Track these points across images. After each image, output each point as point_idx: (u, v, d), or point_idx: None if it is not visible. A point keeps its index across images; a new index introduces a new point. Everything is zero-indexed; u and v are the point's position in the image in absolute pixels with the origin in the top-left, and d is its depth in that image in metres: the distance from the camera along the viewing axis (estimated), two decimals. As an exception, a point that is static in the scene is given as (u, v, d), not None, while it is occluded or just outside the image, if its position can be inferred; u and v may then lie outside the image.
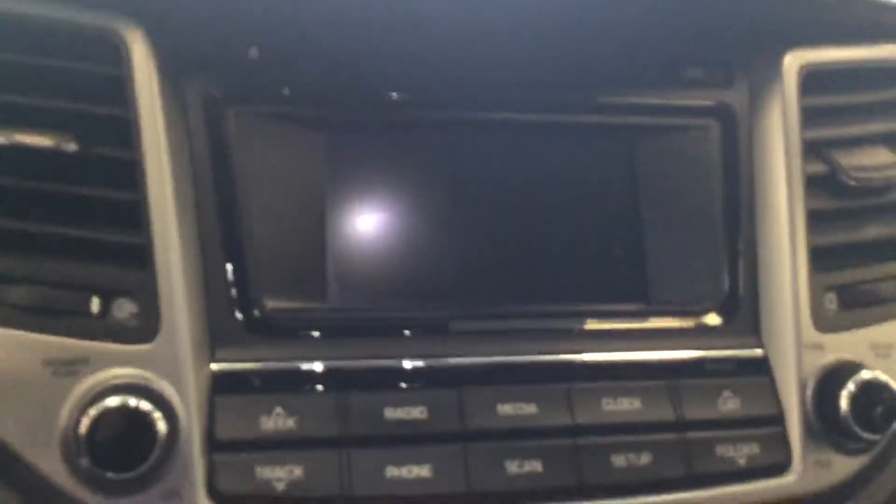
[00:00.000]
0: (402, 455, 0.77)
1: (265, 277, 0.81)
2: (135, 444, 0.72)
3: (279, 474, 0.75)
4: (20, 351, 0.73)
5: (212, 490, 0.74)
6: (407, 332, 0.83)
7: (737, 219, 0.92)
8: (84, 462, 0.71)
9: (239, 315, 0.80)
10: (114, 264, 0.76)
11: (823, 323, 0.88)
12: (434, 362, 0.81)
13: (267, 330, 0.80)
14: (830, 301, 0.90)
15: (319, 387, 0.79)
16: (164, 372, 0.74)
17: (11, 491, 0.72)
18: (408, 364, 0.81)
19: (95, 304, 0.75)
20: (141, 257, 0.76)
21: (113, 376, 0.73)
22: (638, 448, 0.81)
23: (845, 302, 0.91)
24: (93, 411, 0.71)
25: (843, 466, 0.87)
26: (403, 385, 0.80)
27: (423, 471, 0.77)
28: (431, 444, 0.78)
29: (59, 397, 0.73)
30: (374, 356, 0.81)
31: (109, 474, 0.71)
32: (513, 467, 0.78)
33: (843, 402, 0.83)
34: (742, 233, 0.91)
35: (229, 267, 0.80)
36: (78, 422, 0.71)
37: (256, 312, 0.80)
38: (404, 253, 0.85)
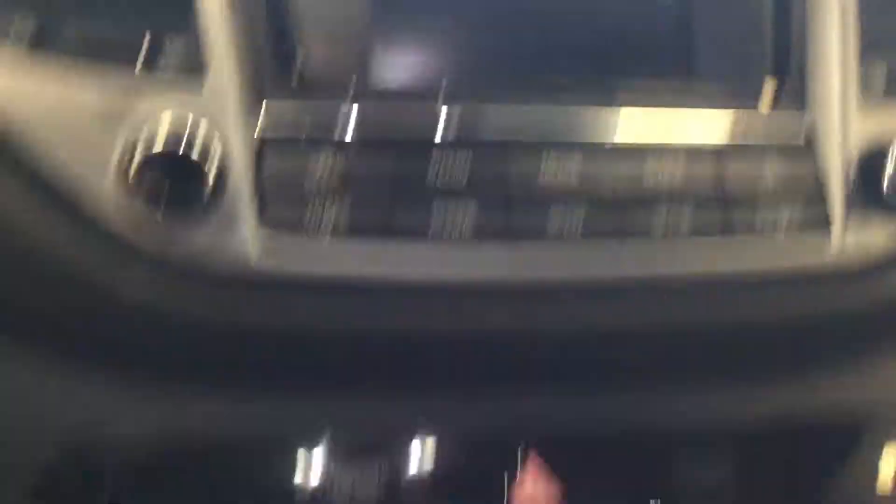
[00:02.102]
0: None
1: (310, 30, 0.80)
2: (186, 188, 0.74)
3: (328, 212, 0.76)
4: (72, 92, 0.74)
5: (263, 222, 0.76)
6: (445, 100, 0.81)
7: None
8: (137, 203, 0.73)
9: (285, 65, 0.80)
10: (162, 5, 0.76)
11: (871, 105, 0.87)
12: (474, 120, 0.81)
13: (313, 84, 0.80)
14: (879, 83, 0.89)
15: (364, 137, 0.79)
16: (212, 117, 0.76)
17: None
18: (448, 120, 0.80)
19: (145, 46, 0.75)
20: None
21: (162, 121, 0.74)
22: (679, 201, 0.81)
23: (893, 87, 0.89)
24: (141, 155, 0.73)
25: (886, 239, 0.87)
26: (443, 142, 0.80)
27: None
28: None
29: (109, 140, 0.74)
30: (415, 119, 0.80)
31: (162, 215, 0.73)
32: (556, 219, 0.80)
33: (890, 168, 0.83)
34: (792, 7, 0.89)
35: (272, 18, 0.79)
36: (128, 165, 0.73)
37: (300, 65, 0.80)
38: (445, 20, 0.84)
